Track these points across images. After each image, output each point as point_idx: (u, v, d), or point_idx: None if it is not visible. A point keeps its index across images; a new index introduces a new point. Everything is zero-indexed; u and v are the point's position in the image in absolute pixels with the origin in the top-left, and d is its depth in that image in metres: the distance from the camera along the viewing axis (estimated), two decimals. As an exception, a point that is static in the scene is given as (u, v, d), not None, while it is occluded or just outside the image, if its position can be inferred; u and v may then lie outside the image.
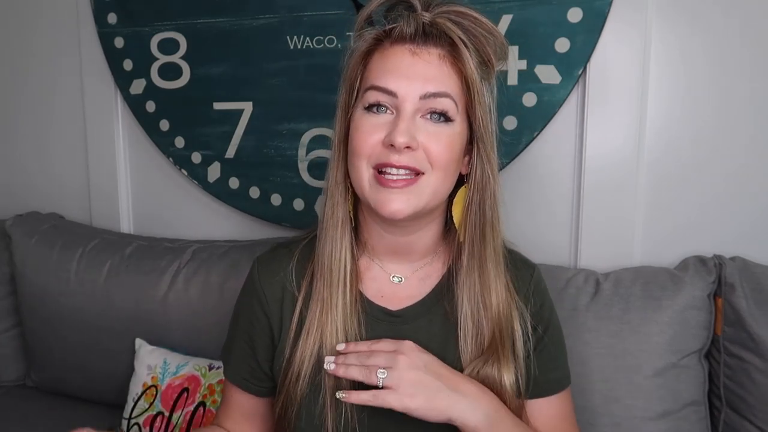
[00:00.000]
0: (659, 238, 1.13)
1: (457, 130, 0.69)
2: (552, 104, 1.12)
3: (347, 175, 0.73)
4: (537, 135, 1.14)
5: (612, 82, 1.10)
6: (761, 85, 1.05)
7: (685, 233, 1.11)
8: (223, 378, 0.85)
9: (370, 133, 0.68)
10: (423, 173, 0.68)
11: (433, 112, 0.68)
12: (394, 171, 0.67)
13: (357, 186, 0.71)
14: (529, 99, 1.12)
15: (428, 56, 0.68)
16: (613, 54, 1.09)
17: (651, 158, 1.12)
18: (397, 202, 0.67)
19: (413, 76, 0.67)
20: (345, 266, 0.74)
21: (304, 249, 0.80)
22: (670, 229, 1.12)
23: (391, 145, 0.66)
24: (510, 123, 1.14)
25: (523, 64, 1.11)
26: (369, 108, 0.69)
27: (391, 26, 0.70)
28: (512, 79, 1.12)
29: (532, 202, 1.19)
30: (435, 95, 0.67)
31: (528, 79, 1.12)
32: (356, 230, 0.78)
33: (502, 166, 1.16)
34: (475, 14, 0.68)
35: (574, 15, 1.08)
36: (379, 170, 0.68)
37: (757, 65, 1.05)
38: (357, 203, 0.76)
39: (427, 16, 0.68)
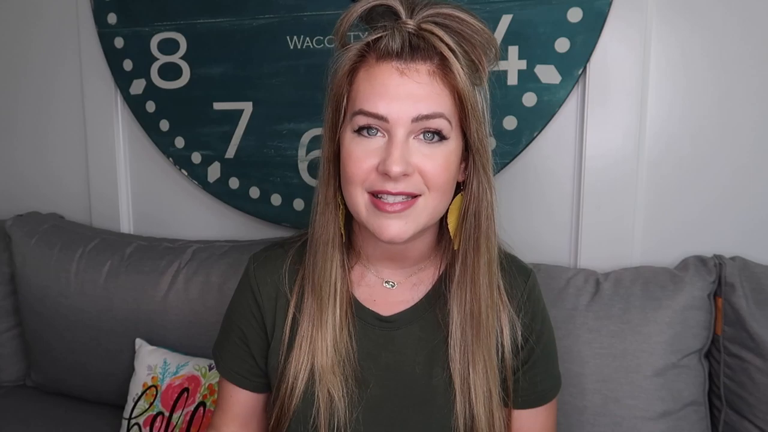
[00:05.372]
0: (659, 238, 1.13)
1: (452, 147, 0.67)
2: (552, 104, 1.12)
3: (337, 193, 0.71)
4: (537, 135, 1.14)
5: (612, 82, 1.10)
6: (761, 84, 1.05)
7: (685, 233, 1.11)
8: (219, 377, 0.84)
9: (362, 159, 0.65)
10: (420, 195, 0.66)
11: (426, 132, 0.65)
12: (391, 198, 0.65)
13: (354, 210, 0.69)
14: (529, 99, 1.12)
15: (417, 75, 0.64)
16: (613, 54, 1.09)
17: (651, 158, 1.12)
18: (396, 227, 0.65)
19: (403, 97, 0.63)
20: (336, 283, 0.73)
21: (297, 251, 0.79)
22: (670, 229, 1.12)
23: (386, 173, 0.63)
24: (510, 123, 1.14)
25: (523, 64, 1.11)
26: (359, 131, 0.66)
27: (375, 37, 0.65)
28: (512, 79, 1.12)
29: (532, 202, 1.19)
30: (427, 117, 0.64)
31: (528, 79, 1.12)
32: (350, 239, 0.77)
33: (501, 167, 1.16)
34: (462, 15, 0.64)
35: (574, 15, 1.08)
36: (375, 194, 0.66)
37: (757, 65, 1.04)
38: (349, 215, 0.74)
39: (411, 24, 0.64)
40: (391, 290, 0.77)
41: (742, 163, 1.07)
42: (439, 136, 0.66)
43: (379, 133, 0.66)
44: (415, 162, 0.65)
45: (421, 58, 0.64)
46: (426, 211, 0.67)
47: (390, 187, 0.64)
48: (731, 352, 0.97)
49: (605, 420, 0.97)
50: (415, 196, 0.66)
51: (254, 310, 0.79)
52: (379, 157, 0.65)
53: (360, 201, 0.67)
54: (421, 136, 0.65)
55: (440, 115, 0.65)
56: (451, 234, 0.73)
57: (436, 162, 0.65)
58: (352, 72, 0.68)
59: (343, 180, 0.69)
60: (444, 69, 0.65)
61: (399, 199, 0.65)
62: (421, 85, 0.64)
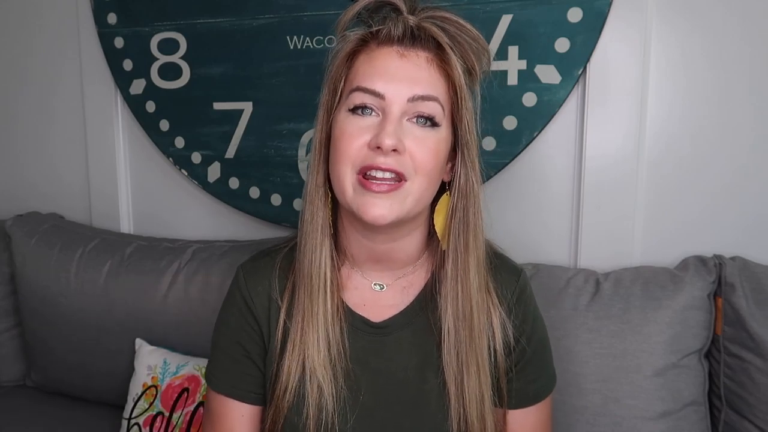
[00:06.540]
0: (659, 238, 1.13)
1: (442, 135, 0.68)
2: (552, 104, 1.12)
3: (327, 179, 0.71)
4: (537, 135, 1.14)
5: (612, 82, 1.10)
6: (761, 84, 1.05)
7: (685, 233, 1.11)
8: (207, 397, 0.79)
9: (355, 136, 0.66)
10: (407, 180, 0.66)
11: (420, 116, 0.66)
12: (379, 174, 0.65)
13: (339, 191, 0.68)
14: (529, 99, 1.12)
15: (416, 59, 0.67)
16: (613, 54, 1.09)
17: (651, 158, 1.12)
18: (380, 208, 0.65)
19: (401, 77, 0.66)
20: (325, 274, 0.72)
21: (284, 258, 0.78)
22: (670, 229, 1.12)
23: (378, 147, 0.64)
24: (510, 123, 1.14)
25: (522, 64, 1.11)
26: (354, 110, 0.67)
27: (377, 27, 0.68)
28: (512, 79, 1.12)
29: (532, 202, 1.19)
30: (423, 98, 0.66)
31: (528, 79, 1.12)
32: (336, 238, 0.76)
33: (501, 167, 1.16)
34: (460, 21, 0.67)
35: (574, 15, 1.08)
36: (364, 174, 0.65)
37: (757, 65, 1.04)
38: (336, 210, 0.74)
39: (412, 20, 0.67)
40: (380, 293, 0.76)
41: (742, 163, 1.07)
42: (432, 122, 0.67)
43: (373, 113, 0.67)
44: (406, 143, 0.65)
45: (420, 46, 0.67)
46: (411, 195, 0.66)
47: (380, 162, 0.64)
48: (731, 352, 0.97)
49: (605, 420, 0.97)
50: (402, 179, 0.66)
51: (250, 319, 0.77)
52: (371, 134, 0.65)
53: (348, 181, 0.66)
54: (415, 120, 0.67)
55: (435, 99, 0.66)
56: (439, 235, 0.73)
57: (427, 146, 0.66)
58: (353, 55, 0.70)
59: (333, 160, 0.68)
60: (441, 59, 0.67)
61: (387, 177, 0.65)
62: (419, 68, 0.67)
